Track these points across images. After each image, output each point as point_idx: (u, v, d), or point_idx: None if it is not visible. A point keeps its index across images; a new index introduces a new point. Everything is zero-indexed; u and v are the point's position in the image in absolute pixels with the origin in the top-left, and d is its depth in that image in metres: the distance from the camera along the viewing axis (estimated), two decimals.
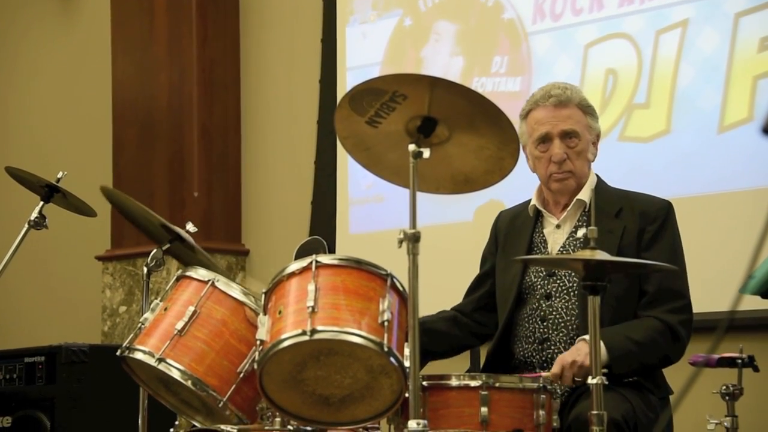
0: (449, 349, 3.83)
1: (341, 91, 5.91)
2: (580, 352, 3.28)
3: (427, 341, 3.33)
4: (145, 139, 6.43)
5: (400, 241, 2.83)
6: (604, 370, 2.95)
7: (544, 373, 3.36)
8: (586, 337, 3.20)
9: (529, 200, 3.76)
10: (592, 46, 5.24)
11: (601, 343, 3.08)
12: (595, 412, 2.90)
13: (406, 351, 2.92)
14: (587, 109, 3.65)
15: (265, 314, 3.05)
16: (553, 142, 3.60)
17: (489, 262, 3.84)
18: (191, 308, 3.27)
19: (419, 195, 2.90)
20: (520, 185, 3.70)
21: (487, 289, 3.81)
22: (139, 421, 3.84)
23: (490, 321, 3.79)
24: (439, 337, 3.72)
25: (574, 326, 3.52)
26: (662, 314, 3.49)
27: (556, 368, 3.26)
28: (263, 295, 3.10)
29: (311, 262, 3.03)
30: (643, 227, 3.57)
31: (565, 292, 3.57)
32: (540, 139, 3.61)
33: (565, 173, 3.61)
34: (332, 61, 6.09)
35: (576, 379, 3.26)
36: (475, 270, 3.90)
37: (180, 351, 3.23)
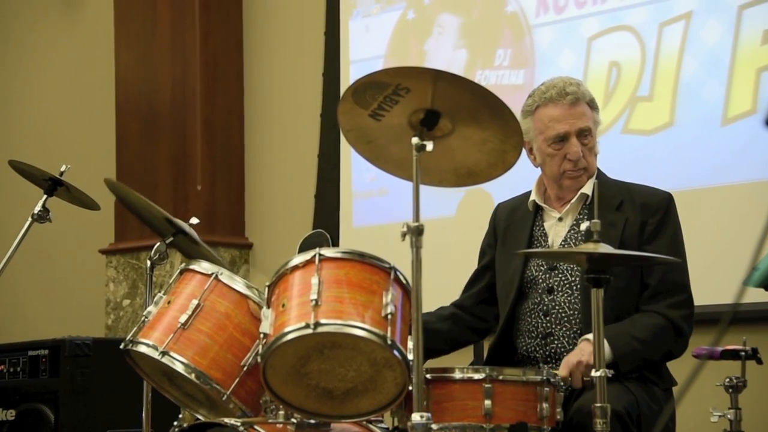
0: (447, 347, 3.81)
1: (344, 85, 5.90)
2: (583, 352, 3.27)
3: (424, 340, 3.33)
4: (149, 132, 6.42)
5: (404, 234, 2.83)
6: (611, 372, 2.95)
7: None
8: (589, 336, 3.21)
9: (527, 193, 3.74)
10: (596, 38, 5.23)
11: (605, 342, 3.09)
12: (598, 404, 2.91)
13: (410, 344, 2.92)
14: (593, 104, 3.64)
15: (268, 307, 3.05)
16: (569, 141, 3.57)
17: (488, 255, 3.82)
18: (195, 301, 3.27)
19: (423, 188, 2.90)
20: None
21: (486, 282, 3.80)
22: (143, 415, 3.84)
23: (491, 315, 3.78)
24: (436, 335, 3.69)
25: (578, 320, 3.51)
26: (665, 309, 3.49)
27: (563, 371, 3.25)
28: (267, 289, 3.10)
29: (315, 256, 3.03)
30: (645, 220, 3.56)
31: (567, 286, 3.56)
32: (557, 138, 3.58)
33: (579, 170, 3.59)
34: (335, 55, 6.08)
35: (585, 379, 3.25)
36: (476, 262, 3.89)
37: (183, 344, 3.23)
